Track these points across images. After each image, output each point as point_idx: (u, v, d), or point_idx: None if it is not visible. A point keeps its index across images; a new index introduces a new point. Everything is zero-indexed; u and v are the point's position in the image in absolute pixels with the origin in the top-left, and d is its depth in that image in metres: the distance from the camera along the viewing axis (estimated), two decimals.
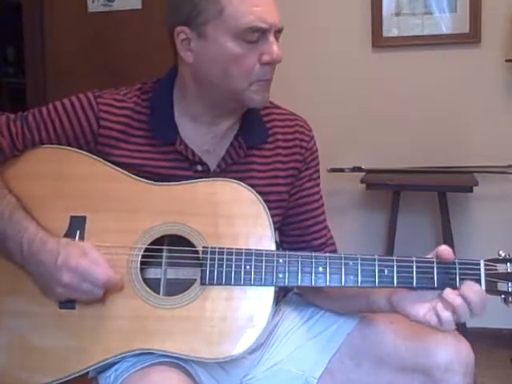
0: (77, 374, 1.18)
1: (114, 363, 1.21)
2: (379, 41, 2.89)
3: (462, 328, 2.45)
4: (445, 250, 1.15)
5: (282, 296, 1.43)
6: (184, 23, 1.21)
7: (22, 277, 1.20)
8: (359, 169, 2.81)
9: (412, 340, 1.26)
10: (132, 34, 3.13)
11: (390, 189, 2.74)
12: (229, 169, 1.29)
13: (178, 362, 1.17)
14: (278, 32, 1.23)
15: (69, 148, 1.27)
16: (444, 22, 2.83)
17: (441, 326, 1.10)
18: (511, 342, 2.75)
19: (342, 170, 2.80)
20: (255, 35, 1.18)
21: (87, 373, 1.22)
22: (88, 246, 1.17)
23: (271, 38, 1.20)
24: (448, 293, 1.10)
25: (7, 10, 4.08)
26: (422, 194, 2.83)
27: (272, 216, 1.22)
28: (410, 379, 1.26)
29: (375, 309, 1.23)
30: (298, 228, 1.36)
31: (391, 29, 2.89)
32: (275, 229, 1.27)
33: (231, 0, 1.17)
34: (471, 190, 2.57)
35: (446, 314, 1.10)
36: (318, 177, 1.39)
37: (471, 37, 2.79)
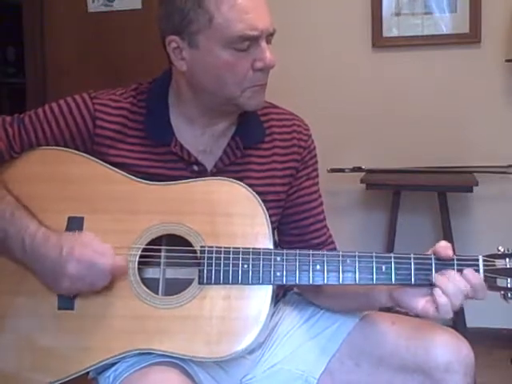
0: (77, 375, 1.18)
1: (114, 363, 1.20)
2: (379, 41, 2.89)
3: (461, 328, 2.46)
4: (441, 246, 1.15)
5: (282, 296, 1.43)
6: (175, 32, 1.20)
7: (21, 278, 1.20)
8: (359, 169, 2.81)
9: (413, 340, 1.25)
10: (132, 33, 3.12)
11: (390, 189, 2.75)
12: (226, 169, 1.29)
13: (177, 362, 1.17)
14: (270, 35, 1.22)
15: (66, 149, 1.27)
16: (444, 22, 2.83)
17: (438, 312, 1.11)
18: (511, 342, 2.75)
19: (342, 170, 2.79)
20: (246, 43, 1.18)
21: (87, 373, 1.22)
22: (91, 237, 1.17)
23: (263, 43, 1.20)
24: (441, 279, 1.12)
25: (7, 10, 4.08)
26: (422, 194, 2.83)
27: (269, 216, 1.22)
28: (409, 379, 1.25)
29: (377, 306, 1.24)
30: (296, 227, 1.36)
31: (391, 29, 2.88)
32: (273, 228, 1.27)
33: (220, 8, 1.16)
34: (471, 190, 2.57)
35: (443, 300, 1.10)
36: (317, 176, 1.39)
37: (471, 37, 2.79)
